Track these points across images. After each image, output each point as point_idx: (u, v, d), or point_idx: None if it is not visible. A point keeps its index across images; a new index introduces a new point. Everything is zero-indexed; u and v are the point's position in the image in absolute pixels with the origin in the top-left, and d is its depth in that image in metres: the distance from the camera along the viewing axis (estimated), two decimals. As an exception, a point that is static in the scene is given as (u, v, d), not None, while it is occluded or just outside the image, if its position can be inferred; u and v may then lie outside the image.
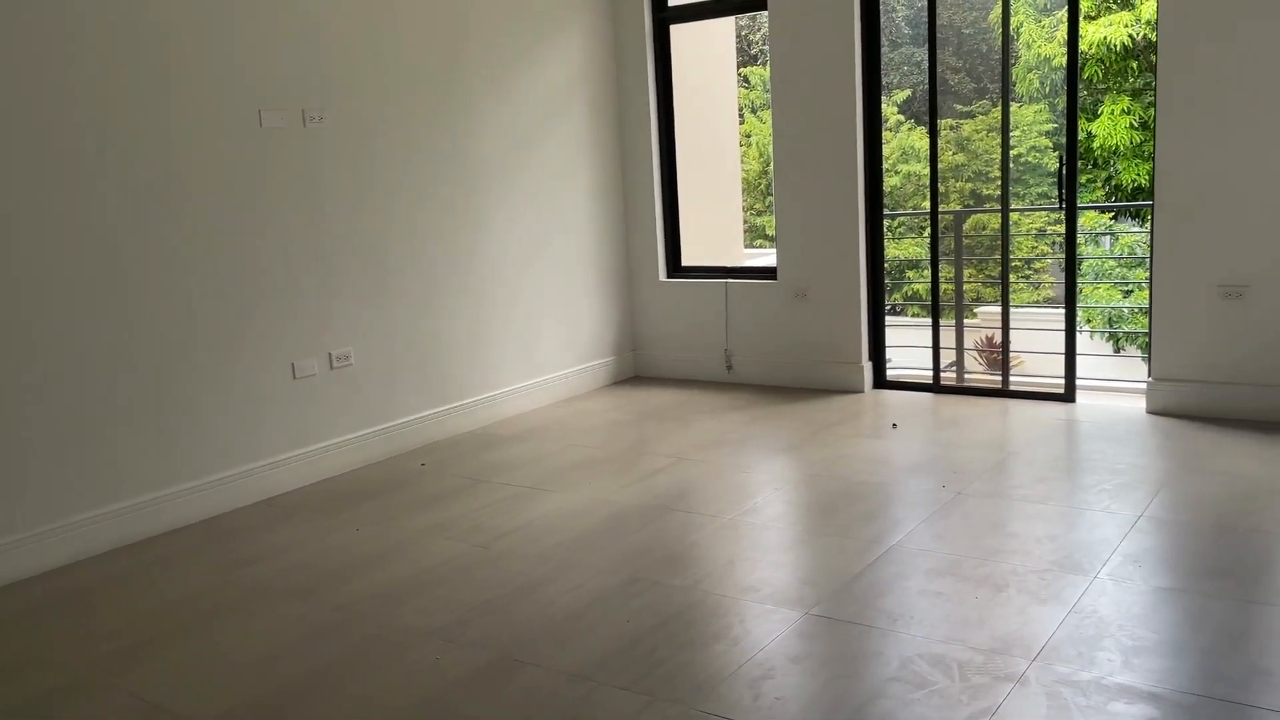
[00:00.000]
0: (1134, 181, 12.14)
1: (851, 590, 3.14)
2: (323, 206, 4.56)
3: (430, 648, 2.93)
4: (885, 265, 5.78)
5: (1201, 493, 3.80)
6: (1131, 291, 11.00)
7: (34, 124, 3.60)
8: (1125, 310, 10.91)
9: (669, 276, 6.33)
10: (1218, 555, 3.24)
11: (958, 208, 13.47)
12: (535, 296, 5.72)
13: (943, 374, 5.71)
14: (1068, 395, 5.22)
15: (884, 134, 5.74)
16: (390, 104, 4.84)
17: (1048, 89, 13.28)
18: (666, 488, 4.23)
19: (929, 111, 5.69)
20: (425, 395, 5.10)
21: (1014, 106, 13.46)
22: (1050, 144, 13.65)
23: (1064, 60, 5.11)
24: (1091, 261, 11.56)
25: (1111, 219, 13.31)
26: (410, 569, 3.52)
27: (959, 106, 14.80)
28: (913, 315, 10.84)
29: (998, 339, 5.93)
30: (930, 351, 5.72)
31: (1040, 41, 12.87)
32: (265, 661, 2.92)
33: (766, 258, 7.74)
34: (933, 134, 5.63)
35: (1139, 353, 10.12)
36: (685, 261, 6.37)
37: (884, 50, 6.06)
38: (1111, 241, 12.35)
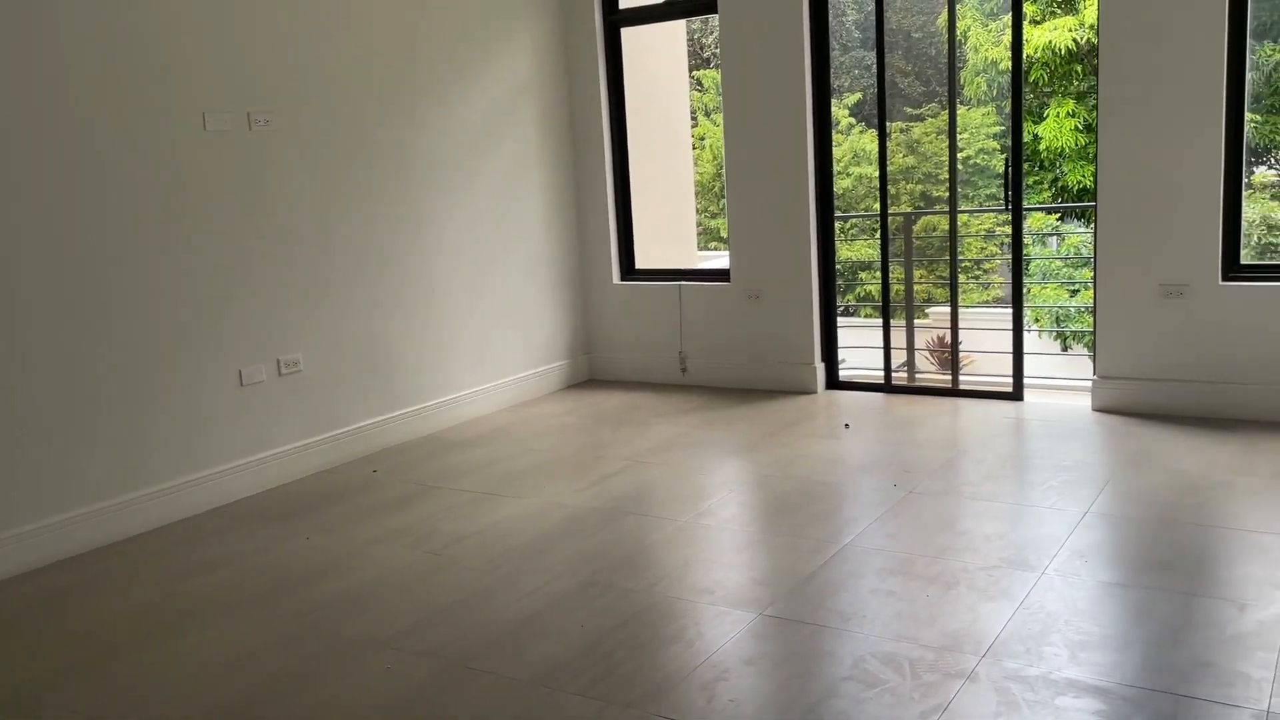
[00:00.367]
0: (1080, 183, 12.38)
1: (805, 590, 3.16)
2: (270, 210, 4.50)
3: (383, 657, 2.90)
4: (837, 266, 5.83)
5: (1145, 488, 3.88)
6: (1078, 291, 11.20)
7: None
8: (1072, 309, 11.11)
9: (623, 279, 6.33)
10: (1161, 549, 3.31)
11: (908, 209, 13.62)
12: (488, 300, 5.68)
13: (894, 374, 5.77)
14: (1016, 394, 5.30)
15: (835, 136, 5.80)
16: (339, 106, 4.79)
17: (995, 92, 13.49)
18: (622, 491, 4.23)
19: (878, 114, 5.75)
20: (377, 401, 5.05)
21: (962, 109, 13.63)
22: (998, 146, 13.85)
23: (1010, 64, 5.20)
24: (1039, 262, 11.75)
25: (1058, 220, 13.54)
26: (362, 577, 3.48)
27: (908, 109, 14.96)
28: (865, 316, 10.93)
29: (948, 339, 6.01)
30: (882, 352, 5.78)
31: (987, 45, 13.07)
32: (214, 674, 2.87)
33: (720, 260, 7.78)
34: (882, 136, 5.69)
35: (1086, 351, 10.30)
36: (639, 264, 6.37)
37: (834, 53, 6.11)
38: (1058, 242, 12.56)
